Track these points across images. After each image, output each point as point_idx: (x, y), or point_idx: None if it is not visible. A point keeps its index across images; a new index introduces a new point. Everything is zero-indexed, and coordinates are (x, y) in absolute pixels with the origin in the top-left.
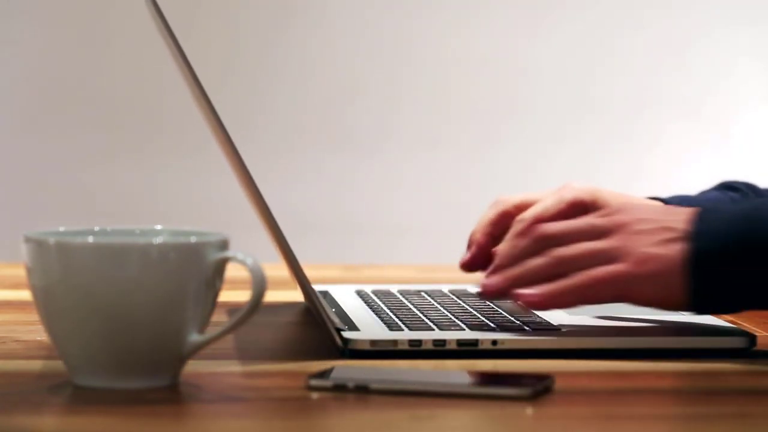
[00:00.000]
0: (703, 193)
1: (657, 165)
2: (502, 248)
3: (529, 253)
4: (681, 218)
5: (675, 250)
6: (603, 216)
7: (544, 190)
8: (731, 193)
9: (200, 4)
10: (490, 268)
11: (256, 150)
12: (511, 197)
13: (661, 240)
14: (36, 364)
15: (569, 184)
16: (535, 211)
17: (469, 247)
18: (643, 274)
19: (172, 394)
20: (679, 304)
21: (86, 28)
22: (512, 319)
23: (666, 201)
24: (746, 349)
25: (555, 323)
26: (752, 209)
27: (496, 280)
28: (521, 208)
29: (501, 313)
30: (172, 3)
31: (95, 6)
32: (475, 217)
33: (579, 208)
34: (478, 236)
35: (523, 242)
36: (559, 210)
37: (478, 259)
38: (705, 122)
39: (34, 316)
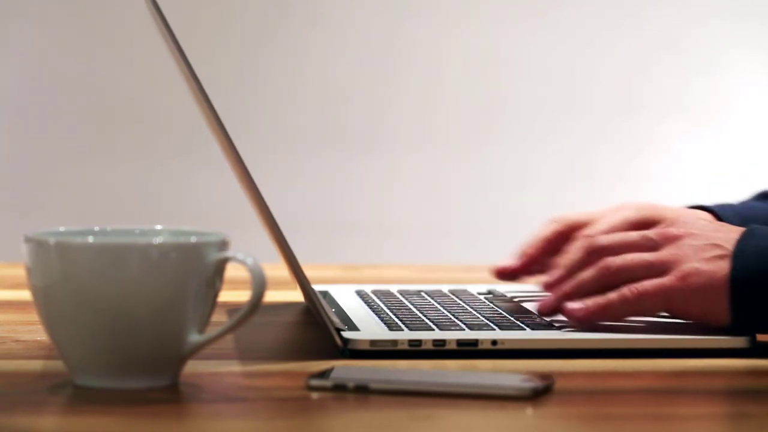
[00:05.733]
0: (744, 203)
1: (650, 163)
2: (560, 261)
3: (582, 265)
4: (731, 236)
5: (721, 266)
6: (656, 229)
7: (600, 210)
8: None
9: (200, 4)
10: (547, 281)
11: (252, 149)
12: (568, 216)
13: (710, 257)
14: (36, 364)
15: (627, 204)
16: (600, 228)
17: (519, 257)
18: (688, 289)
19: (172, 394)
20: (722, 321)
21: (86, 28)
22: (512, 319)
23: (712, 209)
24: (746, 349)
25: (555, 323)
26: None
27: (550, 299)
28: (576, 227)
29: (501, 313)
30: (172, 3)
31: (94, 5)
32: (473, 216)
33: (643, 227)
34: (531, 249)
35: (578, 255)
36: (624, 228)
37: (518, 270)
38: (697, 121)
39: (34, 316)
